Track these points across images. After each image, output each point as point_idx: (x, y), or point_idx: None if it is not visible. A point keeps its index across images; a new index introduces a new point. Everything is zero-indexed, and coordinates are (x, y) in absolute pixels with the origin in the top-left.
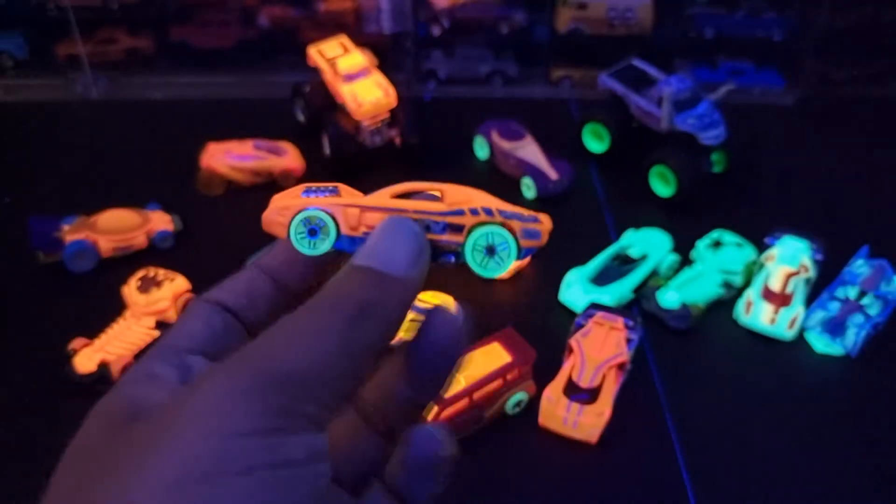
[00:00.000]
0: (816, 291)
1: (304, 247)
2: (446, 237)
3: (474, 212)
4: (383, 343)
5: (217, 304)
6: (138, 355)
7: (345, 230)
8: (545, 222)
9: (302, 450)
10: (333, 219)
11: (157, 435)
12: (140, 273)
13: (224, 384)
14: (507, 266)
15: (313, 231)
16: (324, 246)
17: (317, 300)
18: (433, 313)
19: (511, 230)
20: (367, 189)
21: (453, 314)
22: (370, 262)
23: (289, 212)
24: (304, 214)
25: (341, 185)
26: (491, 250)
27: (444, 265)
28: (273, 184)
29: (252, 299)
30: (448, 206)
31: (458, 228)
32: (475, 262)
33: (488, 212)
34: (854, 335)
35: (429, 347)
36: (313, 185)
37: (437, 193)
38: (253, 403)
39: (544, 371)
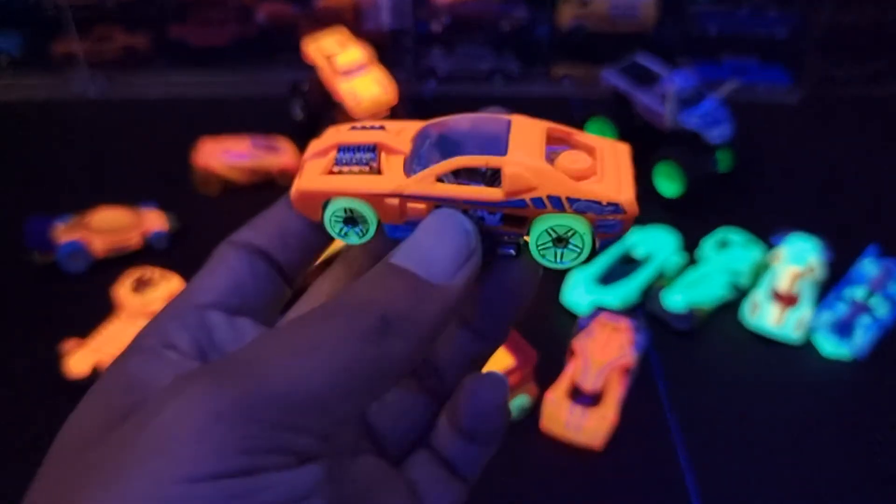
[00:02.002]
0: (823, 292)
1: (347, 237)
2: (505, 228)
3: (539, 203)
4: (411, 363)
5: (246, 248)
6: None
7: (387, 220)
8: (629, 210)
9: (283, 491)
10: (372, 209)
11: (119, 461)
12: (135, 273)
13: (196, 406)
14: (582, 259)
15: (351, 220)
16: (367, 235)
17: (335, 303)
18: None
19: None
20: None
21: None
22: (409, 264)
23: (318, 199)
24: (338, 205)
25: (388, 127)
26: (560, 240)
27: (503, 258)
28: (271, 183)
29: (285, 240)
30: (507, 194)
31: (519, 220)
32: (542, 257)
33: (556, 203)
34: (862, 337)
35: (499, 286)
36: (352, 136)
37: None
38: (228, 435)
39: (547, 374)
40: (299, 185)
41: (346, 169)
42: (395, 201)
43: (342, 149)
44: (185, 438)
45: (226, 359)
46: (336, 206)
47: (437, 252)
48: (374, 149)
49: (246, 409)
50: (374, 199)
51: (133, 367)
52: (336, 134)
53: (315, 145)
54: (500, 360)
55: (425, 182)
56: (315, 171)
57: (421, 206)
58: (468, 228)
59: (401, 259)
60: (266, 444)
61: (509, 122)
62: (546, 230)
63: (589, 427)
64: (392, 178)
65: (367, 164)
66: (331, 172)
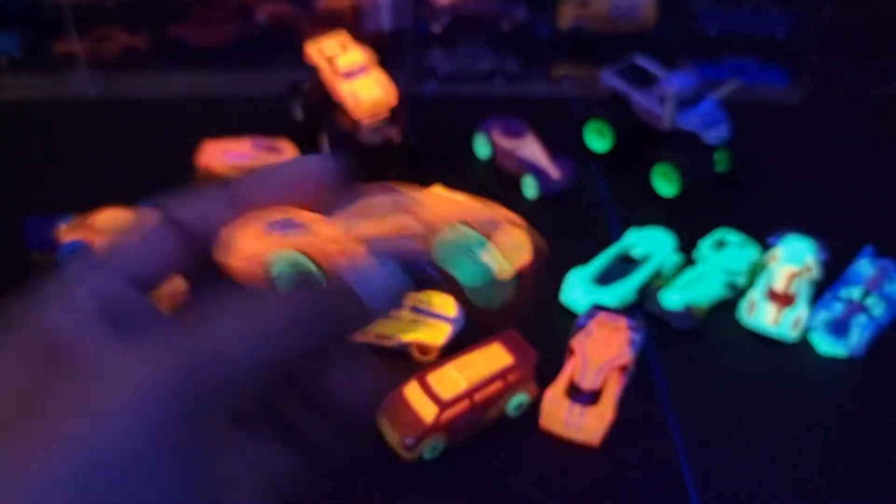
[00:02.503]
0: (819, 291)
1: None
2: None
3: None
4: (310, 351)
5: (174, 225)
6: None
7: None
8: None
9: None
10: (314, 260)
11: (66, 405)
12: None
13: (128, 375)
14: (493, 268)
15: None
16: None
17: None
18: None
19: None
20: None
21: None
22: (356, 286)
23: (260, 261)
24: (282, 262)
25: (297, 208)
26: (464, 250)
27: (429, 282)
28: None
29: (212, 225)
30: (421, 224)
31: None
32: (454, 268)
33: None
34: (858, 336)
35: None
36: (269, 212)
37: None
38: (156, 407)
39: (546, 372)
40: (236, 249)
41: (279, 232)
42: (331, 248)
43: (270, 224)
44: (116, 407)
45: (180, 328)
46: (280, 265)
47: (373, 287)
48: (299, 224)
49: (178, 383)
50: (313, 250)
51: (53, 320)
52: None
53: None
54: (500, 359)
55: (352, 227)
56: (248, 241)
57: (353, 250)
58: (398, 272)
59: (352, 281)
60: (194, 417)
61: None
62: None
63: (587, 425)
64: (321, 235)
65: (297, 227)
66: (264, 236)
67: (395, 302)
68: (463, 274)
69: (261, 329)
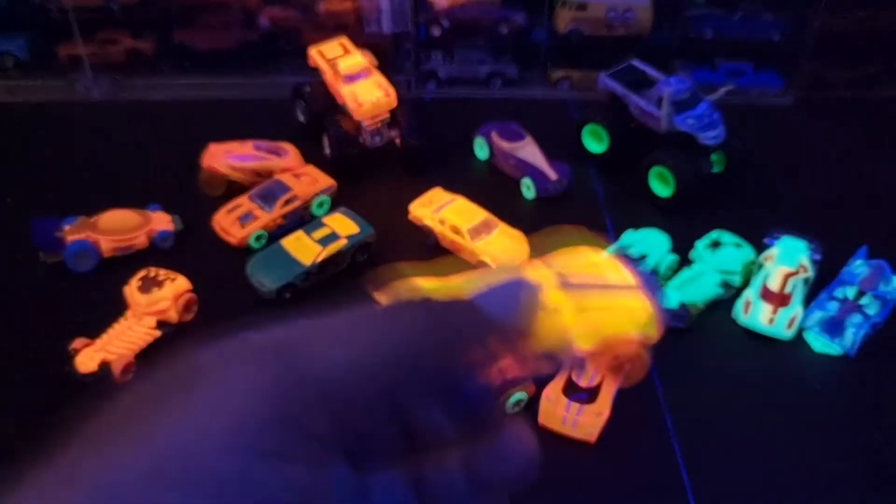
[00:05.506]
0: (815, 291)
1: None
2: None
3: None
4: (438, 380)
5: None
6: (139, 355)
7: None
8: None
9: (292, 488)
10: None
11: (158, 418)
12: (141, 273)
13: (237, 378)
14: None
15: None
16: None
17: (387, 306)
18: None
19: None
20: (365, 191)
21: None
22: (471, 295)
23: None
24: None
25: None
26: None
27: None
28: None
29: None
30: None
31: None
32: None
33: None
34: (852, 335)
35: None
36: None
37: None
38: (261, 410)
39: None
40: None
41: None
42: None
43: None
44: (222, 408)
45: (272, 341)
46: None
47: (499, 291)
48: None
49: (285, 387)
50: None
51: (192, 351)
52: None
53: None
54: None
55: None
56: None
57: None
58: (533, 288)
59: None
60: (299, 425)
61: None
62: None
63: (584, 423)
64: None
65: None
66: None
67: (522, 314)
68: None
69: (365, 341)
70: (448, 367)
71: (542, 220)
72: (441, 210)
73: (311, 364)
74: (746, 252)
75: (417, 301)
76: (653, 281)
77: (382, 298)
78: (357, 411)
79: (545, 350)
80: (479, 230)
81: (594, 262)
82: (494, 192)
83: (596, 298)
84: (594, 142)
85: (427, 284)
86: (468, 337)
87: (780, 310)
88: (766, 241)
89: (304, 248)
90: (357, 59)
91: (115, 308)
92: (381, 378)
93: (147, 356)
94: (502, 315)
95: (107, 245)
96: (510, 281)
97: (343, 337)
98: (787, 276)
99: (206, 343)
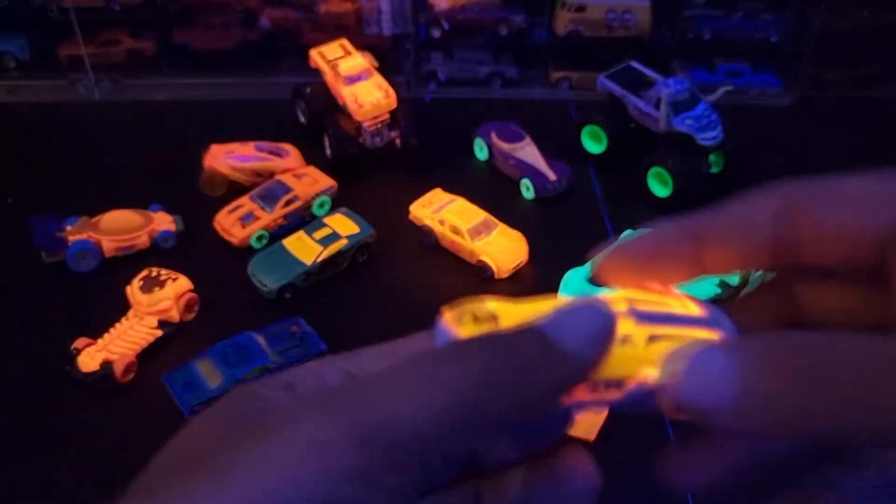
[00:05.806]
0: None
1: None
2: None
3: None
4: (510, 419)
5: None
6: (141, 355)
7: None
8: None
9: None
10: None
11: (228, 466)
12: (143, 273)
13: (307, 430)
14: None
15: None
16: None
17: (453, 347)
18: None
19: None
20: (365, 191)
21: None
22: (540, 323)
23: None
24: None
25: None
26: None
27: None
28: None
29: None
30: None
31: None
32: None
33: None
34: None
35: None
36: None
37: None
38: (333, 461)
39: None
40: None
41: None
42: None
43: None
44: (293, 458)
45: (340, 389)
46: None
47: (572, 323)
48: None
49: (351, 438)
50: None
51: (257, 388)
52: None
53: None
54: None
55: None
56: None
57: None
58: (608, 314)
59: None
60: (365, 476)
61: None
62: None
63: (583, 420)
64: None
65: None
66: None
67: (597, 345)
68: None
69: (431, 388)
70: (517, 405)
71: (542, 220)
72: (441, 210)
73: (378, 414)
74: None
75: (482, 338)
76: (720, 315)
77: (451, 319)
78: (426, 460)
79: (614, 379)
80: (479, 230)
81: (661, 293)
82: (494, 192)
83: (665, 329)
84: (593, 142)
85: (497, 307)
86: (536, 373)
87: None
88: None
89: (305, 248)
90: (357, 61)
91: (117, 308)
92: (449, 425)
93: (148, 355)
94: (574, 344)
95: (108, 245)
96: (583, 306)
97: (408, 381)
98: None
99: (274, 378)
